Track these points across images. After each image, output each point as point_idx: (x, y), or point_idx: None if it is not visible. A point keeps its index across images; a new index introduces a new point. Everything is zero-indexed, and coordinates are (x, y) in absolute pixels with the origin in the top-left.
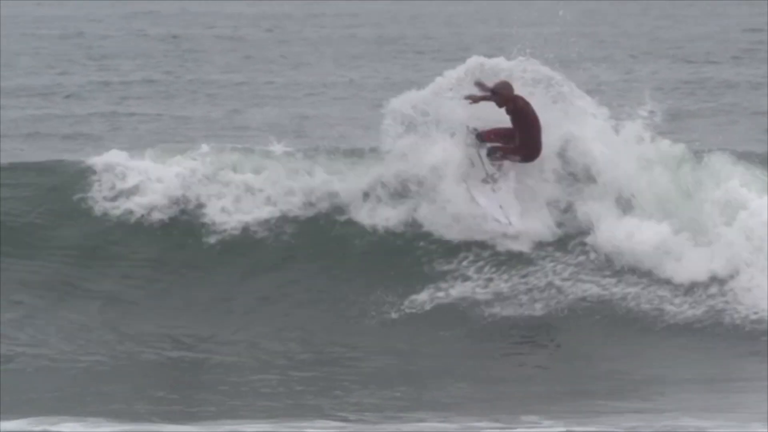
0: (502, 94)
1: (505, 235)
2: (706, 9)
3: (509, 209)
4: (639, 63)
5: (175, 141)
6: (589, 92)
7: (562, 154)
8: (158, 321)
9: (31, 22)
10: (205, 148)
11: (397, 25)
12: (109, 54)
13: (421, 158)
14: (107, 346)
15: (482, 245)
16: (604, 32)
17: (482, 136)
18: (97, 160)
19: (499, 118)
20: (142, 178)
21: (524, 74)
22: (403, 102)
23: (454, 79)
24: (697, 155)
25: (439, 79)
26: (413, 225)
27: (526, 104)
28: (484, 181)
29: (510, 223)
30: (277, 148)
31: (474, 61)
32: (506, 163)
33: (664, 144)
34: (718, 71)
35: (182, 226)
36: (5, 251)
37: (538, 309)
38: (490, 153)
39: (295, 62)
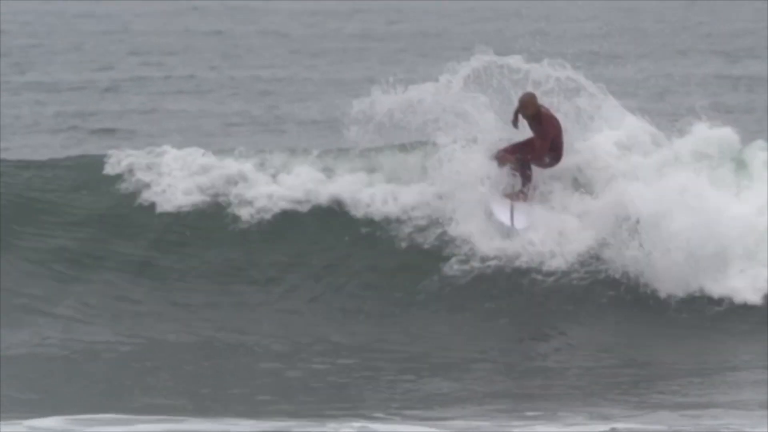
0: (527, 105)
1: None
2: (749, 4)
3: (520, 216)
4: (682, 58)
5: (214, 136)
6: (633, 90)
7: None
8: (189, 293)
9: (76, 18)
10: (240, 148)
11: (440, 21)
12: (152, 50)
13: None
14: (138, 325)
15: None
16: (647, 28)
17: (498, 159)
18: (130, 152)
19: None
20: (171, 168)
21: (549, 79)
22: (374, 106)
23: (454, 82)
24: (740, 149)
25: (429, 85)
26: (441, 202)
27: (549, 114)
28: (507, 196)
29: (513, 227)
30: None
31: (478, 60)
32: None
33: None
34: (761, 66)
35: (211, 207)
36: (43, 222)
37: (576, 287)
38: (522, 165)
39: (338, 58)
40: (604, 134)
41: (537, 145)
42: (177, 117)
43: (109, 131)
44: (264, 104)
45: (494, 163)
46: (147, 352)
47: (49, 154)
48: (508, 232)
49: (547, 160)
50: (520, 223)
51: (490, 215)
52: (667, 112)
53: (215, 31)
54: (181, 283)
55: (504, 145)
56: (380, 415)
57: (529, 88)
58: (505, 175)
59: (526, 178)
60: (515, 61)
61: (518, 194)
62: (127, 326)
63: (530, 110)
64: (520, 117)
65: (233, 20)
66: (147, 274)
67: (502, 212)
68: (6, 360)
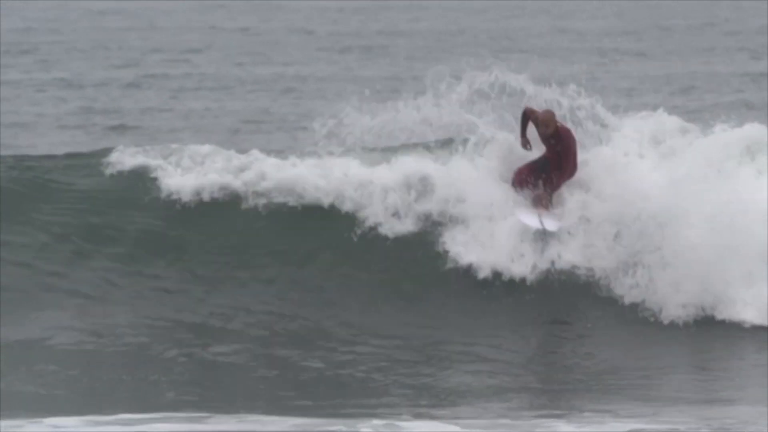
0: (548, 123)
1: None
2: None
3: (548, 220)
4: (707, 55)
5: (236, 133)
6: (658, 86)
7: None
8: (204, 281)
9: (102, 15)
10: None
11: (466, 18)
12: (177, 47)
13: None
14: (158, 308)
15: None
16: (672, 26)
17: (515, 184)
18: (148, 148)
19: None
20: (189, 162)
21: (560, 105)
22: (344, 127)
23: (444, 104)
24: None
25: (408, 107)
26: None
27: (566, 128)
28: (533, 206)
29: (543, 226)
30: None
31: (472, 79)
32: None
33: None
34: None
35: (228, 198)
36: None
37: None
38: (548, 187)
39: (364, 56)
40: (623, 134)
41: (562, 164)
42: (199, 114)
43: (130, 128)
44: (286, 101)
45: (512, 189)
46: (166, 341)
47: (69, 150)
48: (542, 236)
49: (566, 177)
50: (551, 225)
51: (519, 223)
52: (692, 109)
53: (241, 28)
54: (197, 265)
55: (517, 166)
56: (403, 411)
57: (528, 104)
58: (524, 196)
59: (548, 194)
60: (519, 81)
61: (542, 205)
62: (146, 309)
63: (551, 128)
64: (528, 135)
65: (259, 17)
66: (164, 254)
67: (530, 219)
68: (25, 348)
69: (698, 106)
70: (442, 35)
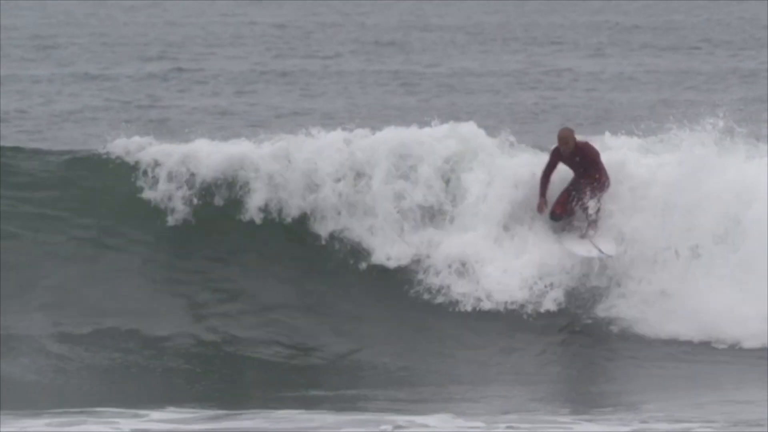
0: (567, 140)
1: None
2: None
3: (604, 244)
4: (737, 51)
5: (263, 127)
6: (679, 80)
7: None
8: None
9: (134, 9)
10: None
11: (494, 14)
12: (205, 41)
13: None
14: (178, 306)
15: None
16: (698, 23)
17: (555, 215)
18: (174, 146)
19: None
20: (202, 158)
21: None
22: None
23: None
24: None
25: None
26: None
27: (584, 142)
28: (582, 236)
29: (603, 253)
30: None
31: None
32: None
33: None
34: None
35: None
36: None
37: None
38: (594, 209)
39: (401, 49)
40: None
41: (593, 178)
42: (222, 109)
43: (155, 121)
44: (312, 96)
45: (554, 222)
46: (184, 332)
47: (88, 145)
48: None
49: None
50: (609, 249)
51: (576, 257)
52: (718, 104)
53: (272, 23)
54: (211, 251)
55: (547, 196)
56: (428, 407)
57: None
58: (569, 225)
59: (589, 216)
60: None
61: (588, 228)
62: (160, 301)
63: (570, 145)
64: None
65: (293, 12)
66: (173, 239)
67: (586, 250)
68: (28, 336)
69: (725, 100)
70: (475, 29)
